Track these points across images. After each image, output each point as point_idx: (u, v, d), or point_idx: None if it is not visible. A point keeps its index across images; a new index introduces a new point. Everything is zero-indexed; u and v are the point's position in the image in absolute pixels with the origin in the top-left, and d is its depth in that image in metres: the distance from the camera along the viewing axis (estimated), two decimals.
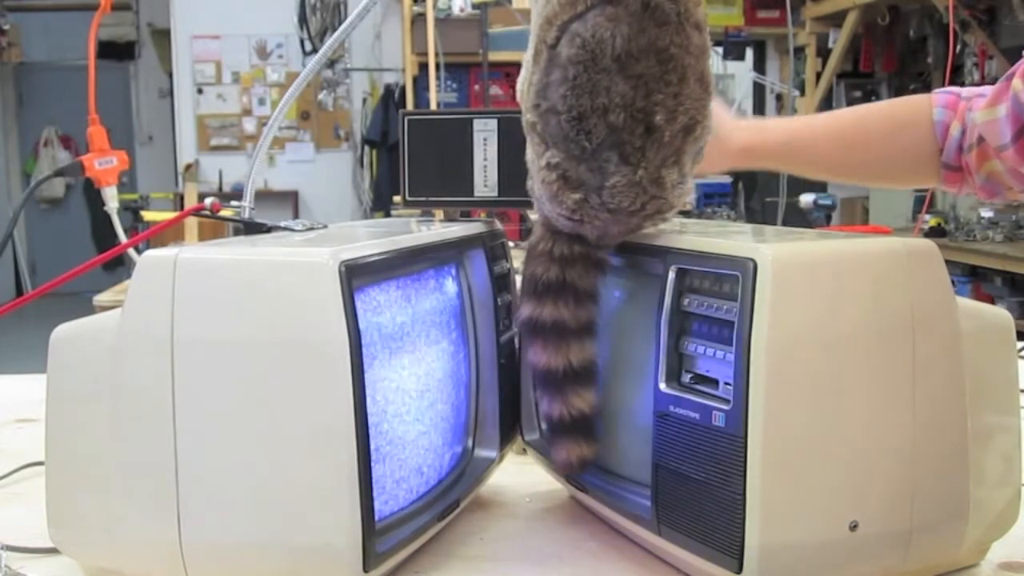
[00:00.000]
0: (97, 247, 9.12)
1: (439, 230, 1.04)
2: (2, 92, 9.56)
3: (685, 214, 1.18)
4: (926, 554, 0.86)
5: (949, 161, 1.09)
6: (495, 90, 6.17)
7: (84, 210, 9.75)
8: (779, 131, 1.20)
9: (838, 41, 6.22)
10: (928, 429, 0.83)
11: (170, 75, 7.99)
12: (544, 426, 0.96)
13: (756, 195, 5.51)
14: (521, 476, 1.17)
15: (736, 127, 1.16)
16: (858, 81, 6.84)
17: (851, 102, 6.83)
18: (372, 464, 0.82)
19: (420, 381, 0.97)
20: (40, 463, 0.93)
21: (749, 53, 7.03)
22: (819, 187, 4.71)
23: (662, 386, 0.87)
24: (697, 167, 0.95)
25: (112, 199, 1.41)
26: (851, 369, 0.81)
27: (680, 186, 0.92)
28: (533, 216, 0.99)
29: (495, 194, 1.13)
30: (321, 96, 7.64)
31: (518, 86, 0.97)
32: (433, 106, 5.78)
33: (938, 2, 5.09)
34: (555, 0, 0.90)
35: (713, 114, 0.95)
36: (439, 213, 1.21)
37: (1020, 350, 1.01)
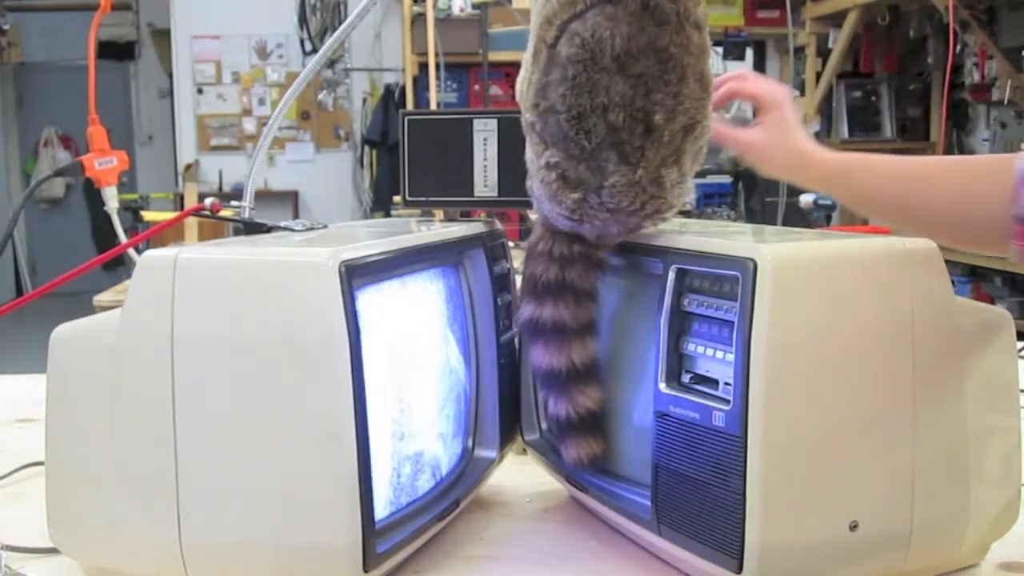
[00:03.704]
0: (97, 247, 9.11)
1: (439, 230, 1.04)
2: (2, 92, 9.55)
3: (685, 214, 1.18)
4: (926, 554, 0.86)
5: (1021, 212, 0.96)
6: (495, 90, 6.16)
7: (84, 210, 9.74)
8: (841, 153, 1.10)
9: (838, 41, 6.22)
10: (928, 429, 0.83)
11: (170, 75, 7.99)
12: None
13: (756, 195, 5.50)
14: (521, 476, 1.17)
15: (802, 133, 1.10)
16: (858, 81, 6.82)
17: (851, 102, 6.83)
18: (372, 464, 0.82)
19: (420, 381, 0.97)
20: (40, 463, 0.93)
21: (749, 53, 7.01)
22: None
23: (662, 386, 0.87)
24: (696, 166, 0.95)
25: (112, 199, 1.41)
26: (851, 369, 0.81)
27: (679, 186, 0.92)
28: (533, 216, 0.99)
29: (495, 194, 1.13)
30: (321, 96, 7.63)
31: (517, 86, 0.97)
32: (433, 106, 5.78)
33: (938, 2, 5.09)
34: None
35: (783, 116, 0.98)
36: (439, 213, 1.21)
37: (1020, 350, 1.01)
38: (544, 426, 1.09)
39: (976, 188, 1.01)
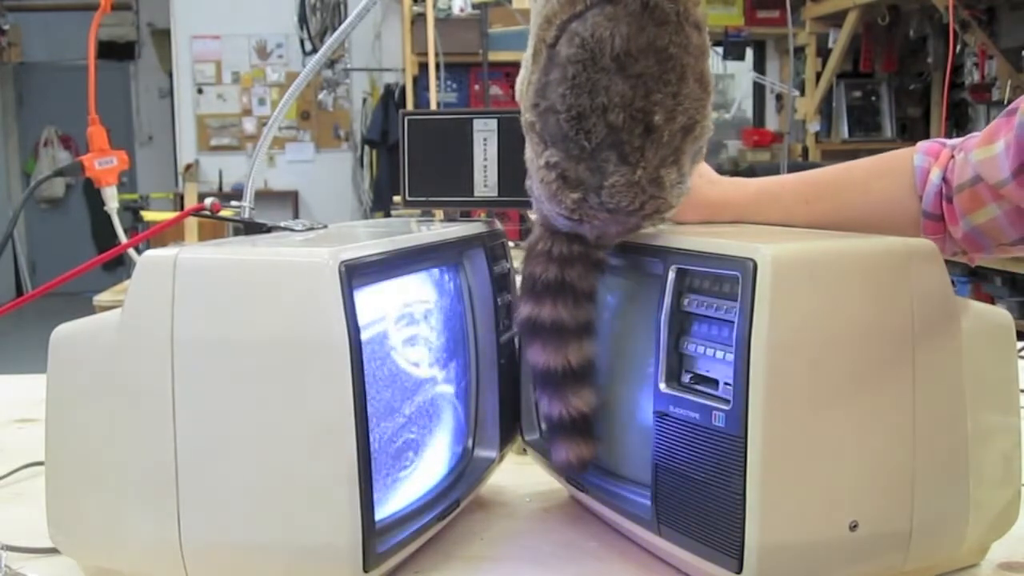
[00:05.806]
0: (97, 247, 9.12)
1: (439, 230, 1.04)
2: (2, 92, 9.56)
3: None
4: (926, 554, 0.86)
5: (929, 208, 1.01)
6: (495, 90, 6.16)
7: (84, 210, 9.75)
8: (752, 185, 1.11)
9: (838, 41, 6.22)
10: (928, 429, 0.83)
11: (170, 75, 8.00)
12: (544, 426, 0.96)
13: None
14: (521, 476, 1.17)
15: (711, 182, 1.09)
16: (858, 81, 6.83)
17: (851, 102, 6.83)
18: (372, 464, 0.82)
19: (420, 381, 0.97)
20: (40, 463, 0.93)
21: (749, 53, 7.02)
22: None
23: (662, 386, 0.87)
24: (695, 167, 0.95)
25: (112, 199, 1.41)
26: (851, 369, 0.81)
27: (679, 186, 0.92)
28: (533, 216, 0.99)
29: (495, 194, 1.13)
30: (321, 96, 7.64)
31: (517, 85, 0.97)
32: (433, 106, 5.78)
33: (938, 2, 5.09)
34: None
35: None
36: (439, 213, 1.21)
37: (1020, 350, 1.01)
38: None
39: (881, 190, 1.04)
